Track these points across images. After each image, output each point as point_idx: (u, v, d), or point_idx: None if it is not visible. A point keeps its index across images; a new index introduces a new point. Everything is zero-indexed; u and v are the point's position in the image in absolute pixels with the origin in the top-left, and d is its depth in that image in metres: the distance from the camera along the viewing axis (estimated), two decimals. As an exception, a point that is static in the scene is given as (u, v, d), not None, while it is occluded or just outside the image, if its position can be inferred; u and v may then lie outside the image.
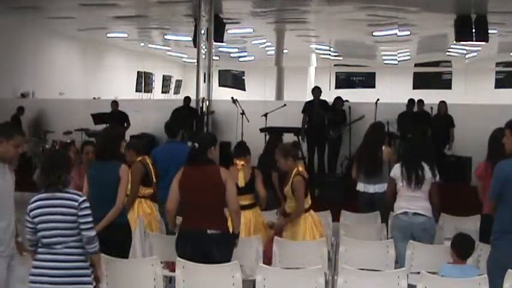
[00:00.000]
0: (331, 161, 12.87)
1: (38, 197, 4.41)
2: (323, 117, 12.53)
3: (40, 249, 4.39)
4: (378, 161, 7.41)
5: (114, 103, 14.28)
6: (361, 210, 7.50)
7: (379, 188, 7.38)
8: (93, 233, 4.40)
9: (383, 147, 7.51)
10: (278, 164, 6.44)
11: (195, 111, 13.17)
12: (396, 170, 6.19)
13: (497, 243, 4.77)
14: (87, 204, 4.40)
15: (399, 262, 5.79)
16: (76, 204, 4.33)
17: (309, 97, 13.13)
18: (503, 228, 4.71)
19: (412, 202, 6.03)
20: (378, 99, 13.09)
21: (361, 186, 7.53)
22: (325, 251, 5.72)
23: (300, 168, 6.36)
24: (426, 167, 6.07)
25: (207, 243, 5.14)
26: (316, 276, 4.82)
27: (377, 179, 7.41)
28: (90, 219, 4.39)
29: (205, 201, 5.21)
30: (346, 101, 13.73)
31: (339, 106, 13.04)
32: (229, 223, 5.40)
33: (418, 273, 4.87)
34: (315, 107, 12.62)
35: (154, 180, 6.95)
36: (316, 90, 12.82)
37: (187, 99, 13.93)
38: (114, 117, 13.90)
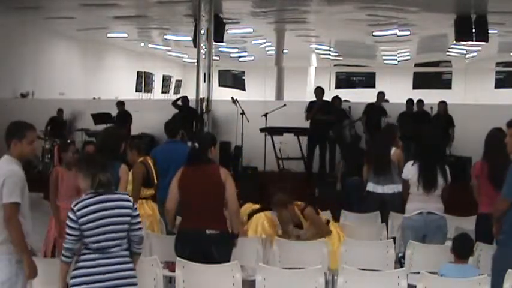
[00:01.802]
0: (332, 161, 12.83)
1: (86, 202, 4.18)
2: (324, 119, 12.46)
3: (89, 256, 4.16)
4: (387, 162, 7.41)
5: (120, 103, 14.23)
6: (369, 210, 7.47)
7: (388, 189, 7.38)
8: (143, 232, 4.37)
9: (393, 149, 7.51)
10: (281, 218, 6.29)
11: (193, 110, 13.16)
12: (410, 173, 6.14)
13: (507, 243, 4.75)
14: (136, 206, 4.36)
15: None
16: (131, 204, 4.26)
17: (309, 97, 13.12)
18: None
19: (427, 203, 6.04)
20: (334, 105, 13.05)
21: (370, 186, 7.52)
22: (325, 251, 5.71)
23: (298, 203, 6.35)
24: (440, 171, 6.07)
25: (206, 243, 5.13)
26: (316, 276, 4.82)
27: (386, 180, 7.40)
28: (140, 219, 4.34)
29: (204, 201, 5.20)
30: (346, 100, 13.74)
31: (337, 105, 13.01)
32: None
33: (418, 273, 4.87)
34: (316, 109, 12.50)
35: (155, 181, 6.94)
36: (319, 91, 12.70)
37: (184, 99, 13.96)
38: (116, 118, 13.88)
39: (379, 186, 7.44)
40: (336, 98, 13.17)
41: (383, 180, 7.42)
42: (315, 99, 12.66)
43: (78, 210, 4.15)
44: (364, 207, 7.64)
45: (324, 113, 12.35)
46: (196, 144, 5.40)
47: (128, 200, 4.28)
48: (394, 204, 7.27)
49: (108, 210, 4.18)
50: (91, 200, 4.19)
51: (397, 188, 7.34)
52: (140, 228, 4.30)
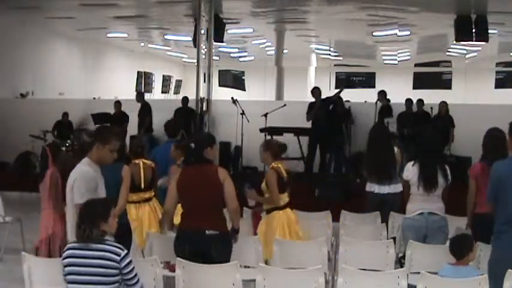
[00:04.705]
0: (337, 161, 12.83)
1: (71, 252, 4.07)
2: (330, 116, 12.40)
3: None
4: (393, 161, 7.39)
5: (118, 103, 14.22)
6: (369, 210, 7.41)
7: (390, 188, 7.32)
8: (139, 284, 4.13)
9: (395, 148, 7.50)
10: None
11: (192, 110, 13.16)
12: (410, 174, 6.11)
13: (499, 245, 4.77)
14: (130, 259, 4.08)
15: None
16: (118, 258, 3.99)
17: (309, 97, 13.07)
18: (498, 228, 4.74)
19: (428, 202, 6.02)
20: (378, 100, 13.09)
21: (374, 187, 7.37)
22: (325, 251, 5.71)
23: (277, 165, 6.31)
24: (440, 171, 6.07)
25: (205, 243, 5.12)
26: (316, 276, 4.82)
27: (392, 180, 7.31)
28: (135, 273, 4.09)
29: (203, 201, 5.19)
30: (347, 101, 13.74)
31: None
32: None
33: (418, 273, 4.87)
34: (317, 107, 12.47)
35: (142, 185, 6.72)
36: (316, 91, 12.66)
37: (185, 99, 13.97)
38: (115, 118, 13.86)
39: (382, 186, 7.32)
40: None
41: (388, 180, 7.34)
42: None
43: (64, 258, 4.09)
44: (366, 208, 7.56)
45: (325, 112, 12.33)
46: (192, 145, 5.40)
47: (115, 253, 4.00)
48: (393, 204, 7.24)
49: (89, 267, 3.98)
50: (75, 251, 4.06)
51: (398, 187, 7.33)
52: (136, 282, 4.07)
